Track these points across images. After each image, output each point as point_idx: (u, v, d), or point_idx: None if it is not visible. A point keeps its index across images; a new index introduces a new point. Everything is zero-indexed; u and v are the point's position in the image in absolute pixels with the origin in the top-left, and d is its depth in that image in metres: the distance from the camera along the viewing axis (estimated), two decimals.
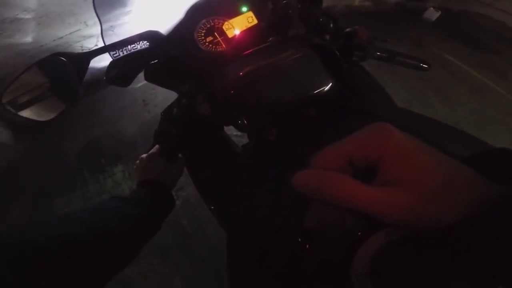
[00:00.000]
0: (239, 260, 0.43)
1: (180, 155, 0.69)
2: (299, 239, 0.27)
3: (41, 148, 1.86)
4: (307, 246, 0.26)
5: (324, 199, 0.19)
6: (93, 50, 0.54)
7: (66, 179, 1.73)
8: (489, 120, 2.04)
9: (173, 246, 1.43)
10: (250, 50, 0.50)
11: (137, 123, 1.92)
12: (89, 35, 1.77)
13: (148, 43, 0.56)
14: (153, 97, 2.02)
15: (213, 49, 0.56)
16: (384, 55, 0.59)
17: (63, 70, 0.52)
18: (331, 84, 0.48)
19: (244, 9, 0.58)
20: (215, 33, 0.56)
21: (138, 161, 0.67)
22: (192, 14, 0.57)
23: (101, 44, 0.55)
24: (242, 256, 0.42)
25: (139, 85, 2.06)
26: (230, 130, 0.75)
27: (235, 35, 0.57)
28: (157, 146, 0.69)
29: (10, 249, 0.30)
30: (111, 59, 0.54)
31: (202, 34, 0.56)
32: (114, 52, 0.54)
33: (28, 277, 0.29)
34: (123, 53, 0.54)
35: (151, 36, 0.56)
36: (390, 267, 0.23)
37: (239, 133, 1.52)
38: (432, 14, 3.57)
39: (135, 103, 2.03)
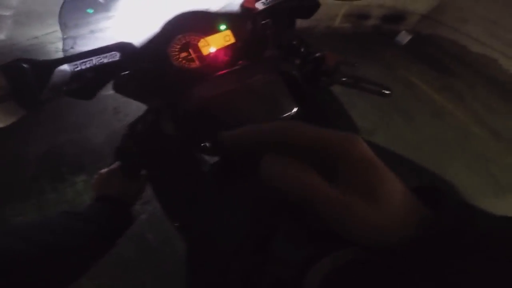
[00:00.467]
0: (199, 274, 0.44)
1: (142, 172, 0.67)
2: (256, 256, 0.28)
3: None
4: (265, 262, 0.27)
5: (282, 186, 0.19)
6: (57, 59, 0.52)
7: (21, 186, 1.62)
8: (448, 142, 2.19)
9: (137, 260, 1.38)
10: (218, 73, 0.51)
11: (106, 132, 1.85)
12: (65, 37, 1.70)
13: (118, 55, 0.54)
14: (126, 106, 1.96)
15: (186, 65, 0.55)
16: (349, 81, 0.61)
17: (24, 77, 0.49)
18: (295, 109, 0.49)
19: (223, 27, 0.57)
20: (190, 50, 0.55)
21: (97, 176, 0.65)
22: (168, 28, 0.56)
23: (78, 48, 0.52)
24: (201, 277, 0.43)
25: (111, 92, 2.00)
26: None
27: (210, 53, 0.56)
28: (116, 162, 0.67)
29: None
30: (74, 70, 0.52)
31: (177, 50, 0.55)
32: (75, 65, 0.51)
33: None
34: (85, 66, 0.52)
35: (122, 47, 0.55)
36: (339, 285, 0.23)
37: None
38: (404, 37, 3.79)
39: (105, 110, 1.95)
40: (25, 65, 0.50)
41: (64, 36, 0.54)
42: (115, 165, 0.66)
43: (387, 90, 0.63)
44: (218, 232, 0.41)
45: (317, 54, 0.61)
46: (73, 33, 0.57)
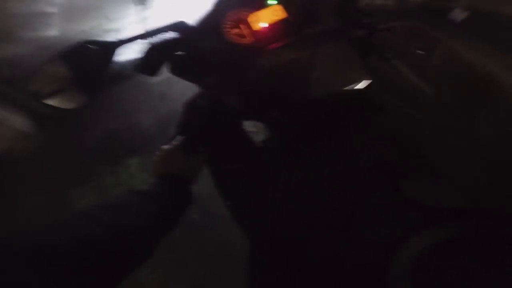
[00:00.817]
0: (266, 258, 0.43)
1: (201, 150, 0.68)
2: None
3: (59, 139, 1.92)
4: (346, 244, 0.26)
5: None
6: (120, 40, 0.54)
7: (82, 171, 1.78)
8: None
9: (181, 240, 1.44)
10: (283, 43, 0.49)
11: (154, 117, 1.94)
12: (109, 29, 1.82)
13: (176, 34, 0.56)
14: (170, 92, 2.04)
15: (239, 41, 0.55)
16: None
17: (89, 58, 0.52)
18: (365, 80, 0.47)
19: (272, 1, 0.56)
20: (241, 25, 0.55)
21: (158, 152, 0.65)
22: (220, 5, 0.56)
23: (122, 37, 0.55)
24: (270, 255, 0.42)
25: (156, 79, 2.10)
26: (245, 127, 0.75)
27: (261, 28, 0.56)
28: (179, 138, 0.68)
29: (29, 249, 0.30)
30: (136, 51, 0.55)
31: (229, 26, 0.55)
32: (141, 44, 0.54)
33: (46, 278, 0.29)
34: (149, 43, 0.54)
35: (179, 26, 0.56)
36: (432, 270, 0.22)
37: (254, 130, 1.51)
38: (459, 14, 3.43)
39: (152, 97, 2.05)
40: (89, 45, 0.53)
41: (129, 20, 0.56)
42: (176, 141, 0.67)
43: None
44: (290, 209, 0.39)
45: (382, 26, 0.56)
46: (117, 25, 0.59)
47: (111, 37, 0.57)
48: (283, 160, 0.51)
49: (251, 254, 0.45)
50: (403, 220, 0.24)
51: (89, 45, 0.52)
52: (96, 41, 0.53)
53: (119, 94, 2.07)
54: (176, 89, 2.04)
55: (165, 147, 0.66)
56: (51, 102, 0.58)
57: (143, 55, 0.54)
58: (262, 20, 0.56)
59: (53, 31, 1.67)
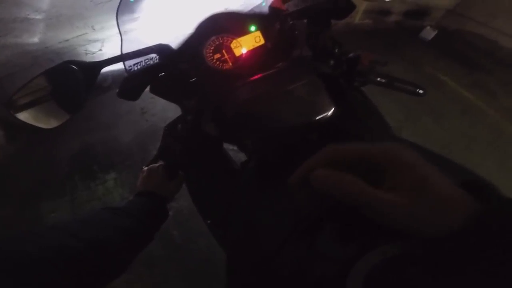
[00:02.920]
0: (240, 273, 0.44)
1: (180, 172, 0.70)
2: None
3: (33, 150, 1.84)
4: (309, 258, 0.29)
5: (337, 194, 0.23)
6: (104, 60, 0.54)
7: (56, 184, 1.71)
8: (478, 141, 2.09)
9: (162, 257, 1.42)
10: (259, 75, 0.52)
11: (133, 131, 1.91)
12: (94, 39, 1.78)
13: (157, 57, 0.56)
14: (152, 106, 2.02)
15: (219, 66, 0.57)
16: (383, 81, 0.60)
17: (73, 79, 0.51)
18: (333, 110, 0.50)
19: (253, 28, 0.58)
20: (223, 51, 0.57)
21: (140, 173, 0.69)
22: (202, 30, 0.57)
23: (105, 50, 0.54)
24: (243, 269, 0.43)
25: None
26: (227, 145, 0.77)
27: (242, 54, 0.58)
28: (159, 160, 0.69)
29: (9, 260, 0.31)
30: (117, 69, 0.54)
31: (211, 51, 0.56)
32: (129, 67, 0.54)
33: (24, 286, 0.30)
34: (137, 67, 0.54)
35: (161, 49, 0.56)
36: (383, 285, 0.24)
37: (234, 147, 1.53)
38: (429, 33, 3.65)
39: (133, 110, 2.03)
40: (74, 66, 0.52)
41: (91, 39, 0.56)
42: (157, 163, 0.69)
43: (421, 89, 0.62)
44: (260, 229, 0.41)
45: (351, 55, 0.61)
46: (101, 36, 0.59)
47: (95, 48, 0.57)
48: (256, 183, 0.53)
49: (226, 264, 0.47)
50: (357, 241, 0.27)
51: (72, 66, 0.51)
52: (79, 62, 0.52)
53: (99, 106, 2.03)
54: (157, 104, 2.04)
55: (145, 167, 0.69)
56: (29, 120, 0.57)
57: (124, 84, 0.54)
58: (244, 46, 0.58)
59: (34, 38, 1.63)
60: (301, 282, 0.29)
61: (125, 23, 0.59)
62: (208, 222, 0.72)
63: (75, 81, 0.52)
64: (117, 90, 0.54)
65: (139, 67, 0.55)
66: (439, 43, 2.98)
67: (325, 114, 0.50)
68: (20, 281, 0.30)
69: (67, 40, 1.75)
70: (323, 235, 0.31)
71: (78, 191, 1.68)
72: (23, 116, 0.57)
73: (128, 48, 0.55)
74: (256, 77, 0.53)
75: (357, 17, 2.94)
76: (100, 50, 1.85)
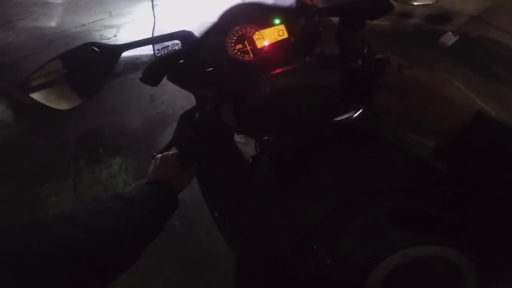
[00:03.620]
0: (252, 269, 0.44)
1: (194, 163, 0.68)
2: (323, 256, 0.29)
3: (41, 131, 1.85)
4: (328, 261, 0.28)
5: None
6: (126, 44, 0.53)
7: (59, 166, 1.71)
8: None
9: (160, 246, 1.41)
10: (284, 68, 0.51)
11: (141, 118, 1.91)
12: (110, 25, 1.80)
13: (180, 44, 0.55)
14: (162, 94, 2.01)
15: (241, 57, 0.56)
16: None
17: (92, 61, 0.51)
18: (359, 111, 0.48)
19: (277, 21, 0.57)
20: (245, 42, 0.56)
21: (153, 160, 0.67)
22: (226, 19, 0.57)
23: (120, 36, 0.54)
24: (255, 267, 0.43)
25: None
26: (234, 137, 0.75)
27: (264, 46, 0.57)
28: (174, 149, 0.68)
29: (7, 253, 0.29)
30: (129, 55, 0.54)
31: (233, 41, 0.56)
32: (158, 51, 0.54)
33: (25, 281, 0.28)
34: (164, 53, 0.54)
35: (184, 36, 0.56)
36: (400, 286, 0.25)
37: (242, 140, 1.51)
38: (449, 38, 3.55)
39: (142, 97, 2.02)
40: (96, 49, 0.51)
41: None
42: (171, 152, 0.68)
43: None
44: (277, 227, 0.41)
45: (379, 56, 0.59)
46: (117, 22, 0.58)
47: (111, 34, 0.56)
48: (273, 180, 0.51)
49: (237, 259, 0.47)
50: (377, 243, 0.28)
51: (94, 47, 0.51)
52: (100, 44, 0.52)
53: (109, 91, 2.03)
54: (167, 92, 2.02)
55: (159, 155, 0.67)
56: (43, 100, 0.56)
57: (150, 68, 0.53)
58: (266, 38, 0.57)
59: (51, 22, 1.65)
60: (319, 284, 0.29)
61: (141, 11, 0.58)
62: (216, 214, 0.70)
63: (94, 64, 0.51)
64: (141, 74, 0.53)
65: (166, 51, 0.54)
66: (459, 49, 2.89)
67: (350, 115, 0.49)
68: (21, 276, 0.28)
69: (83, 25, 1.77)
70: (342, 238, 0.30)
71: (81, 175, 1.68)
72: (37, 96, 0.56)
73: (147, 34, 0.55)
74: (281, 70, 0.52)
75: None
76: (115, 36, 1.87)
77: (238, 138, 1.44)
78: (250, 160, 0.70)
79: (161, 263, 1.38)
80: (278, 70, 0.51)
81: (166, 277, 1.35)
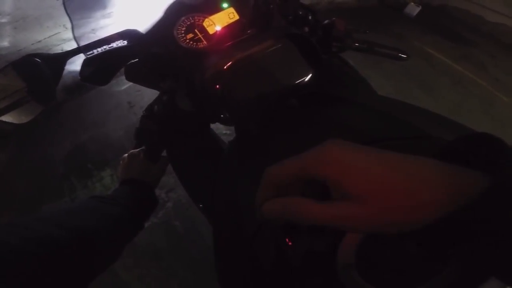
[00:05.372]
0: (226, 256, 0.43)
1: (163, 154, 0.69)
2: (283, 235, 0.26)
3: (26, 156, 1.80)
4: (288, 240, 0.26)
5: (290, 221, 0.21)
6: (68, 51, 0.53)
7: (53, 186, 1.68)
8: (472, 111, 2.11)
9: (168, 248, 1.42)
10: (232, 42, 0.50)
11: (123, 126, 1.88)
12: (69, 38, 1.73)
13: (126, 42, 0.55)
14: (139, 99, 1.99)
15: (194, 46, 0.55)
16: (362, 45, 0.60)
17: (38, 71, 0.50)
18: (311, 74, 0.49)
19: (225, 5, 0.57)
20: (196, 30, 0.56)
21: (121, 161, 0.66)
22: (171, 12, 0.56)
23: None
24: (228, 252, 0.42)
25: (124, 87, 2.03)
26: (220, 129, 0.75)
27: (216, 31, 0.56)
28: (139, 144, 0.68)
29: None
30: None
31: (182, 31, 0.55)
32: (90, 52, 0.53)
33: (3, 279, 0.28)
34: (97, 52, 0.53)
35: (129, 34, 0.55)
36: (376, 257, 0.23)
37: (228, 131, 1.52)
38: (413, 9, 3.67)
39: (120, 105, 1.99)
40: (37, 59, 0.51)
41: (83, 30, 0.56)
42: (136, 148, 0.68)
43: (404, 53, 0.62)
44: (241, 205, 0.40)
45: (325, 21, 0.60)
46: (76, 34, 0.58)
47: (71, 46, 0.55)
48: (236, 157, 0.52)
49: (214, 253, 0.46)
50: None
51: (35, 59, 0.50)
52: (42, 54, 0.51)
53: (86, 105, 1.98)
54: (144, 97, 2.01)
55: (128, 153, 0.67)
56: (8, 118, 0.55)
57: (84, 66, 0.53)
58: (217, 23, 0.57)
59: (4, 42, 1.56)
60: (289, 257, 0.27)
61: (99, 20, 0.58)
62: (200, 206, 0.70)
63: (41, 74, 0.51)
64: (79, 74, 0.54)
65: (100, 51, 0.54)
66: (424, 19, 2.97)
67: (302, 79, 0.48)
68: (0, 274, 0.28)
69: (39, 41, 1.69)
70: None
71: (76, 191, 1.66)
72: (7, 118, 0.55)
73: None
74: (227, 44, 0.51)
75: None
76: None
77: (224, 130, 1.45)
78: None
79: (172, 265, 1.39)
80: (224, 45, 0.50)
81: (179, 278, 1.36)
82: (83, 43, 0.55)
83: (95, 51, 0.53)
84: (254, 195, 0.24)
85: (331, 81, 0.59)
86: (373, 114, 0.42)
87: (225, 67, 0.47)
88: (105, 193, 1.59)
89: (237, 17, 0.58)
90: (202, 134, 0.71)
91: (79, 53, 0.53)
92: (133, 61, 0.57)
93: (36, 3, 1.52)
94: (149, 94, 1.94)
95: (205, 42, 0.55)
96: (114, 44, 0.54)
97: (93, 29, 0.58)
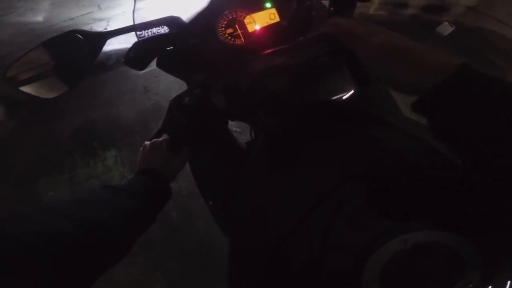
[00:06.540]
0: (245, 259, 0.43)
1: (185, 148, 0.67)
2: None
3: (33, 127, 1.82)
4: (321, 249, 0.28)
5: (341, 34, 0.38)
6: (111, 31, 0.53)
7: (54, 161, 1.69)
8: None
9: (159, 238, 1.40)
10: (278, 48, 0.50)
11: (135, 110, 1.88)
12: (100, 18, 1.75)
13: (168, 29, 0.55)
14: (155, 85, 1.98)
15: (231, 42, 0.56)
16: None
17: (77, 49, 0.50)
18: (353, 91, 0.48)
19: (268, 5, 0.57)
20: (236, 26, 0.56)
21: (141, 148, 0.64)
22: (216, 4, 0.56)
23: (110, 29, 0.53)
24: (248, 256, 0.42)
25: (142, 71, 2.03)
26: (230, 126, 0.74)
27: (255, 30, 0.57)
28: (164, 135, 0.66)
29: None
30: (118, 43, 0.54)
31: (223, 25, 0.56)
32: (140, 33, 0.53)
33: (6, 275, 0.26)
34: (148, 35, 0.53)
35: (172, 21, 0.55)
36: (399, 274, 0.25)
37: (238, 129, 1.50)
38: (445, 28, 3.55)
39: (136, 89, 1.99)
40: (80, 36, 0.51)
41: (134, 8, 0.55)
42: (161, 138, 0.66)
43: None
44: (269, 212, 0.40)
45: None
46: (107, 15, 0.57)
47: (101, 27, 0.54)
48: (266, 162, 0.51)
49: (230, 253, 0.45)
50: (374, 228, 0.27)
51: (77, 35, 0.50)
52: (84, 31, 0.51)
53: (102, 84, 1.99)
54: (160, 83, 1.99)
55: (148, 142, 0.64)
56: (27, 88, 0.55)
57: (133, 49, 0.53)
58: (258, 22, 0.57)
59: (38, 17, 1.59)
60: (313, 272, 0.28)
61: (131, 3, 0.56)
62: (210, 203, 0.70)
63: (79, 51, 0.51)
64: (124, 57, 0.53)
65: (149, 34, 0.54)
66: (455, 39, 2.89)
67: (343, 94, 0.48)
68: (3, 268, 0.27)
69: (72, 19, 1.71)
70: (336, 223, 0.30)
71: (77, 169, 1.66)
72: (22, 86, 0.55)
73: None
74: (271, 50, 0.51)
75: (372, 8, 2.86)
76: (105, 29, 1.82)
77: (234, 127, 1.43)
78: (245, 147, 0.69)
79: (160, 256, 1.38)
80: (268, 51, 0.50)
81: (166, 270, 1.35)
82: (112, 24, 0.54)
83: (145, 33, 0.53)
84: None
85: (366, 98, 0.59)
86: (405, 137, 0.43)
87: (272, 71, 0.47)
88: (106, 174, 1.62)
89: (277, 19, 0.58)
90: (221, 132, 0.72)
91: (123, 34, 0.53)
92: (168, 48, 0.57)
93: None
94: (166, 82, 1.95)
95: (242, 40, 0.56)
96: (161, 29, 0.54)
97: (123, 12, 0.58)
